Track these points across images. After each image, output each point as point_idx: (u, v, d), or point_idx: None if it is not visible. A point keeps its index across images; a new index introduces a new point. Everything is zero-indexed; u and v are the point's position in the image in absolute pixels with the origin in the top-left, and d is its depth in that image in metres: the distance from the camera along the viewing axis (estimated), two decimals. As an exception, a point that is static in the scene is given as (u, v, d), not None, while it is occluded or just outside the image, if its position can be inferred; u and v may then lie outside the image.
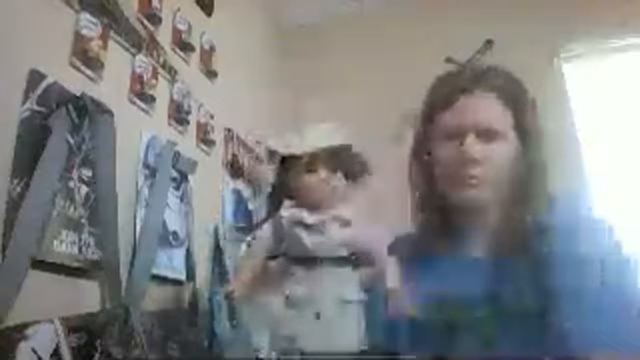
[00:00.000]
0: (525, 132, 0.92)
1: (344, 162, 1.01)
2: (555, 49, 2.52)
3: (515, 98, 0.94)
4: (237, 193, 2.17)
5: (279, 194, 1.02)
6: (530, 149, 0.92)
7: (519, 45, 2.47)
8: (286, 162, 1.02)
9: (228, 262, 1.88)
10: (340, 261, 0.93)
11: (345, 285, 0.92)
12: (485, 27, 2.56)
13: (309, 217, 0.95)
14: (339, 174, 1.00)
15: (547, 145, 0.95)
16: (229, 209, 2.08)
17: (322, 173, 0.98)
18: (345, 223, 0.95)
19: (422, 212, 1.04)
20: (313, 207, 0.97)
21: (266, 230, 1.00)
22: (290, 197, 1.00)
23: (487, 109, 0.91)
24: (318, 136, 1.02)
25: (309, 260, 0.93)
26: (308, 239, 0.94)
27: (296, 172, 0.99)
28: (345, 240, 0.93)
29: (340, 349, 0.87)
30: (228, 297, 0.96)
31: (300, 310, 0.90)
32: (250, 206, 2.25)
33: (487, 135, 0.89)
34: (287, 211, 0.98)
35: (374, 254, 0.94)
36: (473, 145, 0.89)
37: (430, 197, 1.01)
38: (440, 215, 0.98)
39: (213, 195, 2.00)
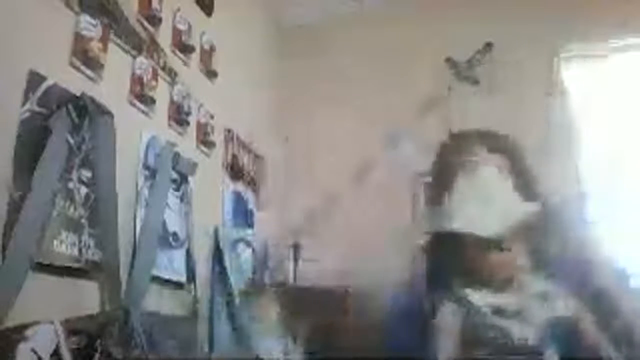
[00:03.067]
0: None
1: (535, 239, 0.92)
2: (555, 49, 2.52)
3: (516, 157, 1.06)
4: (237, 194, 2.17)
5: (443, 270, 0.93)
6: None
7: (519, 45, 2.48)
8: (459, 239, 0.91)
9: (228, 264, 1.88)
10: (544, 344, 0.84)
11: None
12: (485, 27, 2.57)
13: (510, 303, 0.86)
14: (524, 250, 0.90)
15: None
16: (229, 210, 2.08)
17: (515, 250, 0.88)
18: (546, 298, 0.86)
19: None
20: (505, 288, 0.88)
21: (448, 316, 0.90)
22: (464, 276, 0.91)
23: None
24: (504, 208, 0.90)
25: (511, 350, 0.84)
26: (516, 329, 0.84)
27: (480, 251, 0.89)
28: None
29: None
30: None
31: None
32: (250, 207, 2.26)
33: None
34: (477, 297, 0.88)
35: None
36: None
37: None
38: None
39: (213, 196, 2.00)
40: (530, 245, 0.92)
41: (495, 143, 1.07)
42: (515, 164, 1.05)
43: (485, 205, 0.92)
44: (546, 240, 0.97)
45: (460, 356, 0.88)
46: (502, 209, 0.91)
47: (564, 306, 0.87)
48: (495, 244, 0.89)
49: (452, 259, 0.94)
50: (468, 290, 0.90)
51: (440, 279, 0.96)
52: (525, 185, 1.04)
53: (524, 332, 0.85)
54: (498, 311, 0.87)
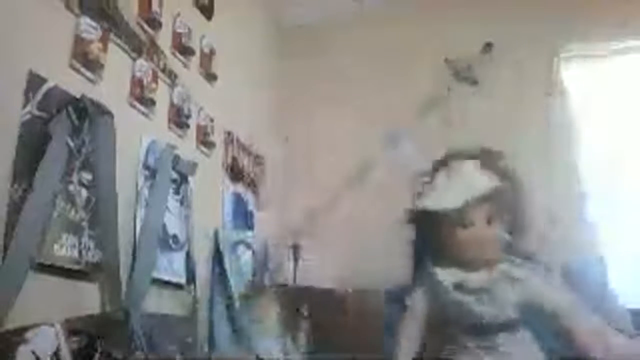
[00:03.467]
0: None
1: (504, 209, 0.92)
2: (555, 49, 2.52)
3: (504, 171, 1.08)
4: (237, 195, 2.17)
5: (422, 254, 0.94)
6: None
7: (519, 45, 2.48)
8: (431, 218, 0.93)
9: (228, 266, 1.88)
10: (514, 325, 0.84)
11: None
12: (485, 28, 2.57)
13: (473, 280, 0.86)
14: (499, 224, 0.90)
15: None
16: (229, 211, 2.08)
17: (480, 226, 0.89)
18: (516, 280, 0.86)
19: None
20: (473, 266, 0.88)
21: (419, 298, 0.91)
22: (437, 257, 0.91)
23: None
24: (468, 184, 0.93)
25: (480, 329, 0.84)
26: (477, 306, 0.84)
27: (448, 229, 0.90)
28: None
29: None
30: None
31: None
32: (250, 208, 2.26)
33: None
34: (444, 274, 0.89)
35: None
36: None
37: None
38: None
39: (213, 198, 2.01)
40: (504, 225, 0.92)
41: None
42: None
43: (451, 182, 0.94)
44: (519, 219, 1.00)
45: (426, 339, 0.90)
46: (465, 183, 0.94)
47: (537, 289, 0.87)
48: (458, 218, 0.90)
49: (424, 239, 0.97)
50: (437, 269, 0.90)
51: (418, 261, 0.98)
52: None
53: (491, 311, 0.85)
54: (464, 289, 0.88)
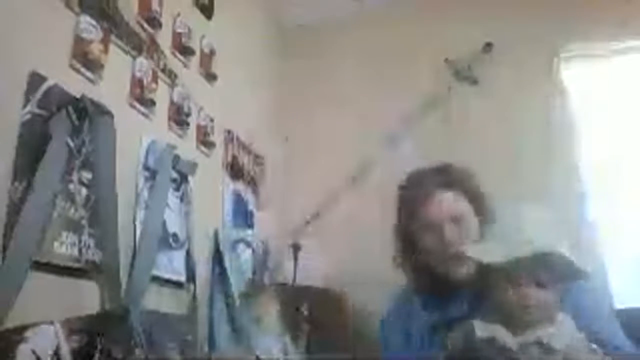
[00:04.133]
0: (480, 208, 1.21)
1: (551, 270, 0.88)
2: (555, 49, 2.51)
3: (471, 188, 1.23)
4: (237, 195, 2.18)
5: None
6: (484, 217, 1.19)
7: (519, 45, 2.48)
8: (480, 271, 0.92)
9: (228, 264, 1.89)
10: None
11: None
12: (485, 28, 2.57)
13: (513, 342, 0.84)
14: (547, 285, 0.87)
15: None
16: (229, 210, 2.09)
17: (527, 285, 0.86)
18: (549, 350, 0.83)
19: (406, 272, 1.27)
20: (515, 326, 0.86)
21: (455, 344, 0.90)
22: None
23: (454, 203, 1.19)
24: (519, 241, 0.88)
25: None
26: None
27: (498, 286, 0.88)
28: None
29: None
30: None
31: None
32: (250, 207, 2.26)
33: (456, 220, 1.18)
34: (485, 330, 0.87)
35: None
36: (450, 231, 1.17)
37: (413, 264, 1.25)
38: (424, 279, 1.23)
39: (213, 197, 2.01)
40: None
41: (448, 178, 1.21)
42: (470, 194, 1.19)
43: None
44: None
45: None
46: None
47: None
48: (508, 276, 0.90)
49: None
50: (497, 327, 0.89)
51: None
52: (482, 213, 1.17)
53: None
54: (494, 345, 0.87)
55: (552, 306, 0.89)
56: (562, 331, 0.87)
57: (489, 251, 0.93)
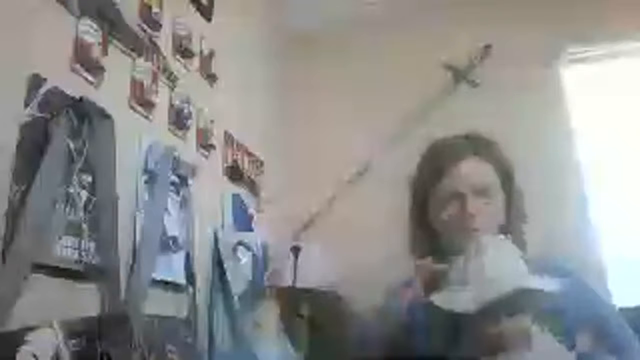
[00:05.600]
0: (508, 184, 1.10)
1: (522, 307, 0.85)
2: (555, 50, 2.52)
3: (501, 161, 1.11)
4: (237, 197, 2.17)
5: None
6: (512, 197, 1.10)
7: (519, 47, 2.48)
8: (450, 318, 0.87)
9: (227, 267, 1.88)
10: None
11: None
12: (485, 29, 2.57)
13: None
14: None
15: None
16: (229, 213, 2.09)
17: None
18: None
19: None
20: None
21: None
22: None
23: (483, 173, 1.08)
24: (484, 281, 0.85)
25: None
26: None
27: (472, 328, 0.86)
28: None
29: None
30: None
31: None
32: (250, 210, 2.26)
33: (482, 192, 1.06)
34: None
35: None
36: (473, 203, 1.04)
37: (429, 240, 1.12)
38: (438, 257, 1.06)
39: (213, 199, 2.01)
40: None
41: (476, 145, 1.10)
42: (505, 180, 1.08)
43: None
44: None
45: None
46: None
47: None
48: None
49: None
50: None
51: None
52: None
53: None
54: None
55: (527, 333, 0.88)
56: (540, 351, 0.86)
57: (456, 300, 0.87)
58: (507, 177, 1.10)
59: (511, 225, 1.08)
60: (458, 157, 1.07)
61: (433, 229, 1.10)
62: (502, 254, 0.90)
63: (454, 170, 1.06)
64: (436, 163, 1.11)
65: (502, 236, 0.96)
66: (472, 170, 1.07)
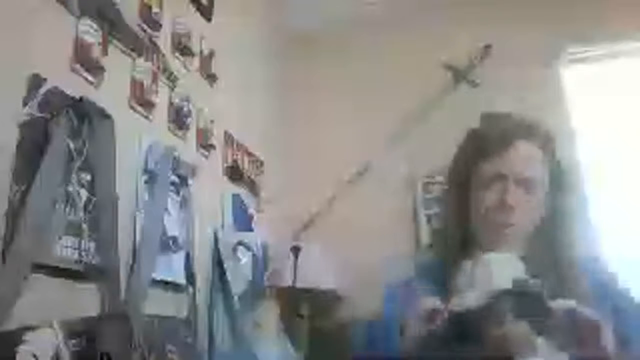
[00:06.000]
0: (557, 180, 1.02)
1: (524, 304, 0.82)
2: (555, 50, 2.52)
3: (552, 151, 1.03)
4: (237, 197, 2.17)
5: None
6: (559, 195, 1.02)
7: (519, 46, 2.48)
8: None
9: (227, 267, 1.88)
10: None
11: None
12: (485, 28, 2.57)
13: None
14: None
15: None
16: (229, 213, 2.08)
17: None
18: None
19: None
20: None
21: None
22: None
23: (531, 161, 1.00)
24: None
25: None
26: None
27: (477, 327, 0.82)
28: None
29: None
30: None
31: None
32: (250, 210, 2.26)
33: (526, 183, 0.98)
34: None
35: None
36: (513, 194, 0.96)
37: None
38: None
39: (213, 199, 2.01)
40: None
41: (533, 132, 1.02)
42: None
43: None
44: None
45: None
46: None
47: None
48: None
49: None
50: None
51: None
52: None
53: None
54: None
55: (530, 336, 0.87)
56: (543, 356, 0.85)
57: (463, 300, 0.85)
58: (557, 175, 1.02)
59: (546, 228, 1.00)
60: (513, 137, 0.99)
61: (467, 217, 1.02)
62: (508, 270, 0.89)
63: (504, 152, 0.99)
64: (485, 141, 1.03)
65: (508, 254, 0.91)
66: (522, 154, 0.98)
